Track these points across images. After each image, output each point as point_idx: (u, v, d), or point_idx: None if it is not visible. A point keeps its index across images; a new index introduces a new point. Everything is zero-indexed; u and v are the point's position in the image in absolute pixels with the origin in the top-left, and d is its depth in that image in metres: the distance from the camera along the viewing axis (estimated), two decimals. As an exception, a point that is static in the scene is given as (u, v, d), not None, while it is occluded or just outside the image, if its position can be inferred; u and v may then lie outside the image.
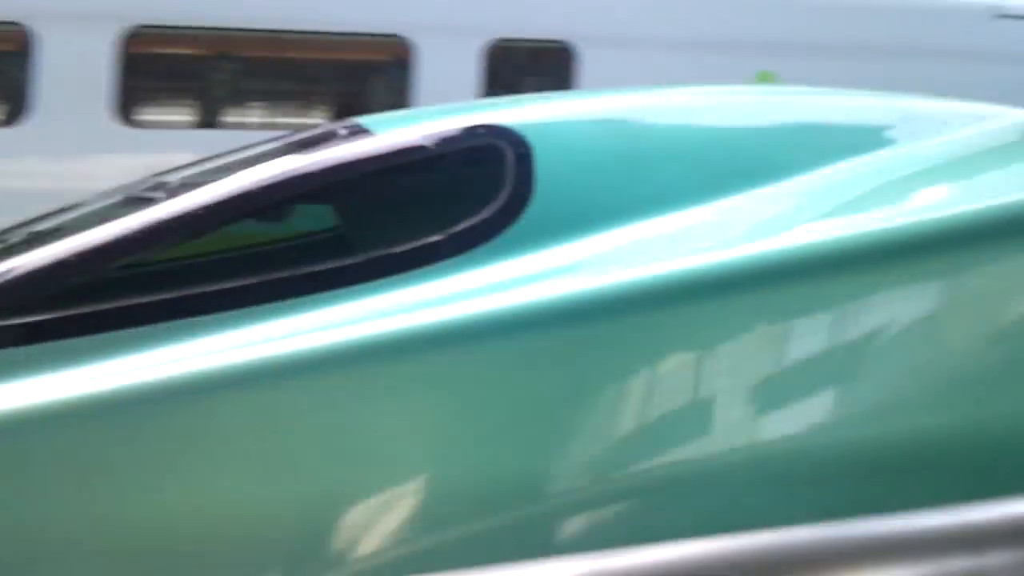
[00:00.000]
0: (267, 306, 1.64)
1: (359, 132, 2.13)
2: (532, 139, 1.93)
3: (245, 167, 2.06)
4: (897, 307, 1.72)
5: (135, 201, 2.06)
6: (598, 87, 5.42)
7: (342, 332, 1.58)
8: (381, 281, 1.68)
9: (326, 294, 1.67)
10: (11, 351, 1.61)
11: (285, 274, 1.72)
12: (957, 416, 1.66)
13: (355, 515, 1.55)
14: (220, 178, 2.00)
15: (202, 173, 2.21)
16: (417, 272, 1.70)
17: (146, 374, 1.52)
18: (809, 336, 1.70)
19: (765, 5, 6.98)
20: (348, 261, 1.77)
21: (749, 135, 2.27)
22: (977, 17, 7.47)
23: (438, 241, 1.76)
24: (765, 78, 6.42)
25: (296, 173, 1.92)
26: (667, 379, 1.65)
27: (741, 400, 1.63)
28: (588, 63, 6.31)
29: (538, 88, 6.09)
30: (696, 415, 1.60)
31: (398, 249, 1.75)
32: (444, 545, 1.50)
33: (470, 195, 1.90)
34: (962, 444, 1.60)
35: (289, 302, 1.65)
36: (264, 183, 1.88)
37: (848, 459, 1.62)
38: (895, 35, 7.06)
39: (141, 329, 1.60)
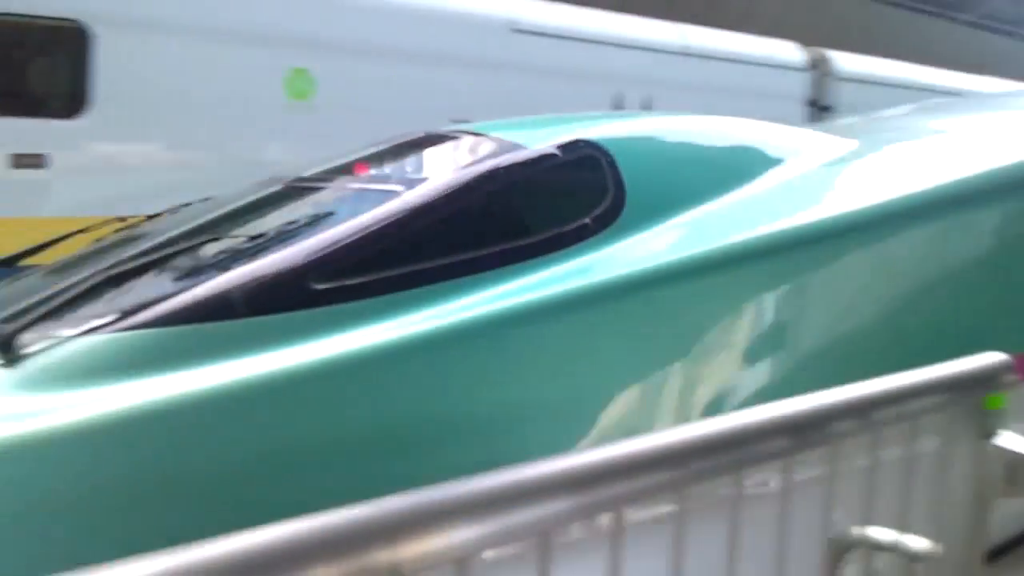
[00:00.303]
0: (500, 270, 2.30)
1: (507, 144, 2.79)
2: (615, 151, 2.71)
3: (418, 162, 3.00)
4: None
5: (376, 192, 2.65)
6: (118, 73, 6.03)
7: (559, 286, 2.29)
8: (558, 253, 2.40)
9: (526, 263, 2.35)
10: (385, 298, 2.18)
11: (502, 247, 2.36)
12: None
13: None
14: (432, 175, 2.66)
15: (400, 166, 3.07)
16: (576, 247, 2.44)
17: (479, 310, 2.18)
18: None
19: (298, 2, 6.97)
20: (528, 240, 2.42)
21: (733, 149, 3.27)
22: (495, 30, 7.93)
23: (583, 225, 2.48)
24: (298, 74, 6.86)
25: (491, 173, 2.57)
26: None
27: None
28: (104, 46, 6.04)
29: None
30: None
31: (562, 230, 2.46)
32: None
33: (588, 192, 2.61)
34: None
35: (509, 268, 2.31)
36: (473, 181, 2.52)
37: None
38: (409, 40, 7.34)
39: (439, 285, 2.23)
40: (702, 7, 15.15)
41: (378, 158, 3.05)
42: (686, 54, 9.02)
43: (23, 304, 2.16)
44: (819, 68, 10.32)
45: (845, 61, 10.69)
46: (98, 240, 3.07)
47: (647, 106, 8.52)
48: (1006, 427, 2.10)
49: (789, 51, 10.04)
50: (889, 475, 1.89)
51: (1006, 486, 2.03)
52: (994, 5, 19.10)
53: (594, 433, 2.24)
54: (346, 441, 2.00)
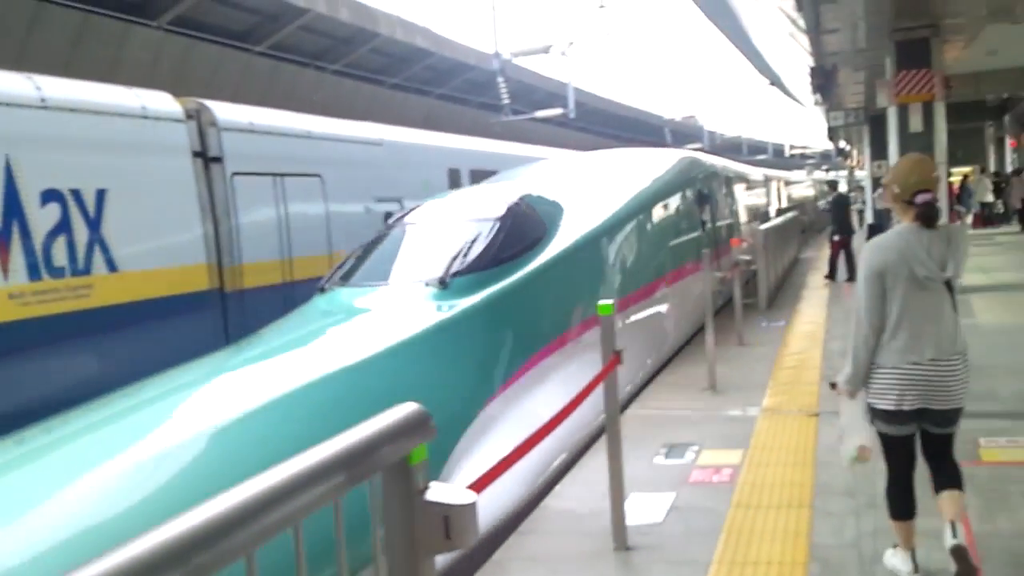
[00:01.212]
0: (528, 253, 7.20)
1: None
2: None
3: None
4: None
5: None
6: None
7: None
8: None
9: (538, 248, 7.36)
10: None
11: (525, 244, 7.26)
12: None
13: None
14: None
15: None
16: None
17: None
18: None
19: None
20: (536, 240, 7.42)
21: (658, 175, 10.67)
22: None
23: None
24: None
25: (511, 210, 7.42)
26: None
27: None
28: None
29: None
30: None
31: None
32: None
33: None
34: None
35: (532, 252, 7.26)
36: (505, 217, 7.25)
37: None
38: None
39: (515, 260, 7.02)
40: (62, 56, 14.07)
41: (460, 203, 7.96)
42: (44, 107, 8.20)
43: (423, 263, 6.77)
44: (199, 118, 10.07)
45: (228, 111, 10.58)
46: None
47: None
48: (436, 477, 2.18)
49: (163, 102, 9.63)
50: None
51: (444, 540, 2.03)
52: (358, 54, 20.64)
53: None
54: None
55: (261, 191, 10.82)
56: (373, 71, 21.95)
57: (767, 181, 23.11)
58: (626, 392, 7.91)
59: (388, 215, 13.42)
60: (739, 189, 16.78)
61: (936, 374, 3.93)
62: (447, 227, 7.26)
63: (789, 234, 18.40)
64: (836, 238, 16.41)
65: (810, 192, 38.64)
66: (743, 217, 16.75)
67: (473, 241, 6.75)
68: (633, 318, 8.65)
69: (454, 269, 6.44)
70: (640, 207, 9.50)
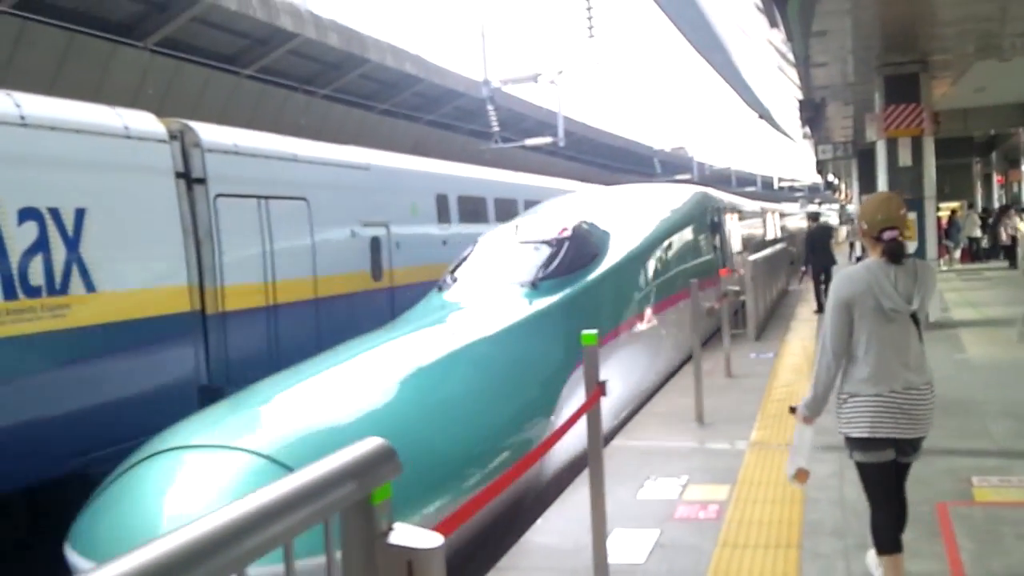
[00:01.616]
0: (586, 268, 9.18)
1: None
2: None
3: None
4: None
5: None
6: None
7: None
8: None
9: (590, 267, 9.24)
10: None
11: (584, 260, 9.29)
12: None
13: None
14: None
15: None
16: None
17: None
18: None
19: None
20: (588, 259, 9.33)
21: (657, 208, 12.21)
22: None
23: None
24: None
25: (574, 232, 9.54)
26: None
27: None
28: None
29: None
30: None
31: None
32: None
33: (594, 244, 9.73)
34: None
35: (588, 267, 9.21)
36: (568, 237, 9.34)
37: None
38: None
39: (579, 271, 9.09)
40: (48, 76, 13.94)
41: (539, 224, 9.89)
42: (23, 125, 8.05)
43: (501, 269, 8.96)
44: (183, 139, 9.94)
45: (212, 132, 10.45)
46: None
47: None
48: (402, 518, 1.96)
49: (146, 121, 9.49)
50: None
51: (411, 586, 1.85)
52: (348, 79, 20.58)
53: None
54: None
55: (245, 213, 10.67)
56: (362, 96, 21.88)
57: (764, 212, 25.17)
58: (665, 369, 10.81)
59: (375, 240, 13.33)
60: (741, 220, 18.72)
61: (905, 403, 4.06)
62: (529, 244, 9.35)
63: (778, 265, 18.41)
64: (805, 268, 17.35)
65: (804, 224, 38.96)
66: (745, 243, 18.61)
67: (552, 255, 8.97)
68: (666, 319, 10.55)
69: (541, 276, 8.66)
70: (667, 232, 11.63)
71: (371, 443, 2.00)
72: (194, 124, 10.28)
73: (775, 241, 24.45)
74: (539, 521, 5.85)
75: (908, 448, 4.20)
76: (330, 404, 5.77)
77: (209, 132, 10.41)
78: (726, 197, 17.94)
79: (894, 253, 4.12)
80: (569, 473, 6.99)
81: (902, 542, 4.19)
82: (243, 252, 10.54)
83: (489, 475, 5.73)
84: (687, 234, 12.50)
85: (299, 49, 18.34)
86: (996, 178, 35.93)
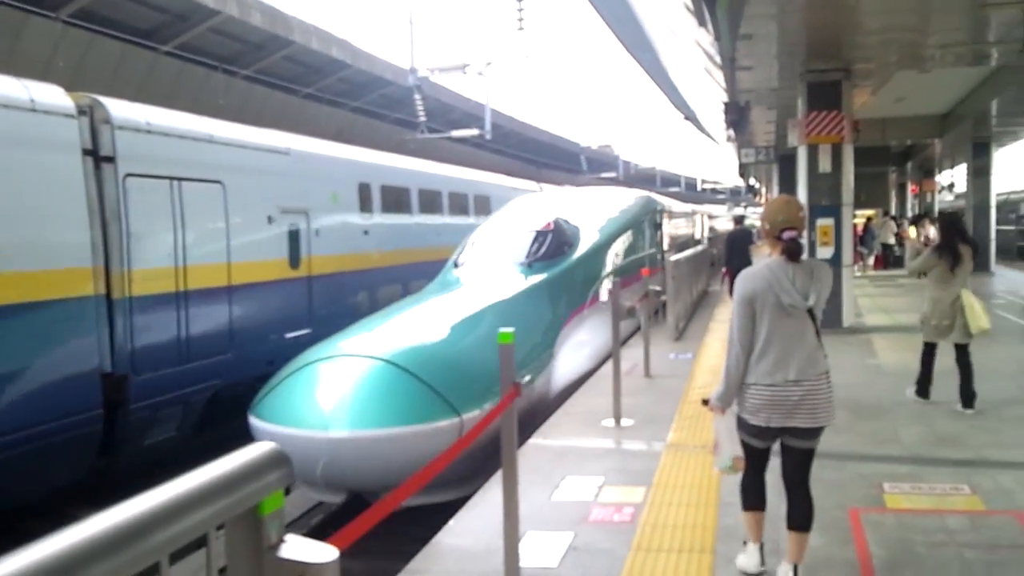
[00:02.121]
0: (563, 255, 11.65)
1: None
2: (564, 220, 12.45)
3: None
4: None
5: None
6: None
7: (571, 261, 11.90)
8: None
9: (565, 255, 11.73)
10: None
11: (561, 248, 11.80)
12: None
13: None
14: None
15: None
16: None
17: None
18: None
19: None
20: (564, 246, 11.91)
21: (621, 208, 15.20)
22: None
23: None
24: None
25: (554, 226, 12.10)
26: None
27: None
28: None
29: None
30: None
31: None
32: None
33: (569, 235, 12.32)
34: None
35: (564, 255, 11.66)
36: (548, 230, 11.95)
37: None
38: None
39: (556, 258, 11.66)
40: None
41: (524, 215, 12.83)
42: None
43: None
44: (92, 114, 9.51)
45: (123, 109, 10.01)
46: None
47: None
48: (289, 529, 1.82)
49: (53, 95, 9.05)
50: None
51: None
52: (271, 61, 20.10)
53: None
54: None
55: (156, 195, 10.27)
56: (286, 79, 21.39)
57: (694, 214, 28.54)
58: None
59: (294, 227, 13.00)
60: (677, 220, 22.16)
61: (799, 393, 4.36)
62: (521, 231, 12.03)
63: (699, 266, 18.59)
64: (725, 269, 17.69)
65: (730, 226, 40.25)
66: (681, 241, 21.88)
67: (539, 244, 11.59)
68: (622, 296, 11.46)
69: (533, 258, 11.30)
70: (622, 229, 14.28)
71: (260, 448, 1.85)
72: (104, 99, 9.84)
73: (705, 240, 27.91)
74: (451, 522, 5.70)
75: (804, 434, 4.45)
76: (416, 331, 8.58)
77: (120, 108, 9.98)
78: (665, 200, 21.28)
79: (792, 252, 4.44)
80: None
81: (766, 499, 4.65)
82: (153, 235, 10.14)
83: (527, 377, 8.87)
84: (637, 231, 15.25)
85: (221, 27, 17.82)
86: (910, 187, 36.93)
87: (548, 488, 6.31)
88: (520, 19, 20.91)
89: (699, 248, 20.51)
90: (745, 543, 4.74)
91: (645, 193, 18.06)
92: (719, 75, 15.06)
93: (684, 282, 14.55)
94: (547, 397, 9.47)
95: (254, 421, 7.81)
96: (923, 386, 8.80)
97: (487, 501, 6.03)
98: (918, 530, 5.33)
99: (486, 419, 4.50)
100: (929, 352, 8.74)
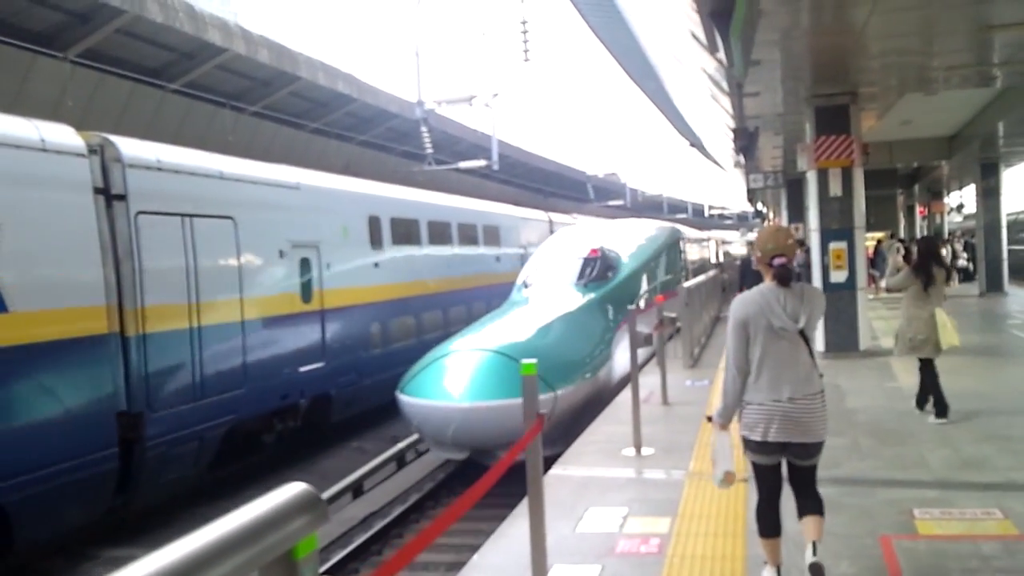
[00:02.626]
0: (606, 279, 14.63)
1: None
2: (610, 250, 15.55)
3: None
4: None
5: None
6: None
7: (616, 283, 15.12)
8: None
9: (608, 278, 14.70)
10: None
11: (605, 273, 14.70)
12: None
13: None
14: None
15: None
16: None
17: None
18: None
19: None
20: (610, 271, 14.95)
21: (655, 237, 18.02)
22: None
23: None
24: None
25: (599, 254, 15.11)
26: None
27: None
28: None
29: None
30: None
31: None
32: None
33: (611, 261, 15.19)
34: None
35: (608, 278, 14.63)
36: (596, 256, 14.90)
37: None
38: None
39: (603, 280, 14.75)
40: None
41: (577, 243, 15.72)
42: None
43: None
44: (103, 153, 9.52)
45: (134, 147, 10.03)
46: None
47: None
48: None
49: (64, 135, 9.06)
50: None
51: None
52: (278, 97, 20.18)
53: None
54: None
55: (168, 232, 10.26)
56: (293, 114, 21.47)
57: (710, 239, 32.07)
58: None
59: (305, 261, 12.99)
60: (695, 246, 25.50)
61: (795, 411, 4.56)
62: (572, 258, 14.83)
63: (711, 292, 18.53)
64: (739, 293, 17.67)
65: (743, 250, 40.76)
66: (696, 263, 24.80)
67: (590, 267, 14.43)
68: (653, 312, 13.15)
69: (586, 280, 14.15)
70: (654, 255, 17.04)
71: (293, 489, 1.77)
72: (115, 138, 9.87)
73: (720, 264, 30.95)
74: (475, 557, 5.61)
75: (803, 452, 4.66)
76: (512, 332, 11.66)
77: (130, 147, 10.00)
78: (684, 228, 24.96)
79: (782, 277, 4.70)
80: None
81: (781, 527, 4.76)
82: (165, 272, 10.13)
83: (594, 368, 11.63)
84: (665, 256, 18.10)
85: (228, 64, 17.90)
86: (918, 210, 36.87)
87: (572, 519, 6.22)
88: (526, 50, 21.00)
89: (710, 274, 20.70)
90: (765, 563, 4.87)
91: (668, 224, 22.15)
92: (726, 101, 15.07)
93: (697, 308, 14.48)
94: (609, 383, 12.07)
95: (402, 397, 10.96)
96: (940, 406, 8.86)
97: (509, 534, 5.94)
98: (952, 556, 5.23)
99: (511, 453, 4.44)
100: (928, 370, 8.98)
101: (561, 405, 10.20)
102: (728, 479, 4.73)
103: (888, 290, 9.84)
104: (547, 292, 13.96)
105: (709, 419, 4.98)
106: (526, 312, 13.01)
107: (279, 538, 1.65)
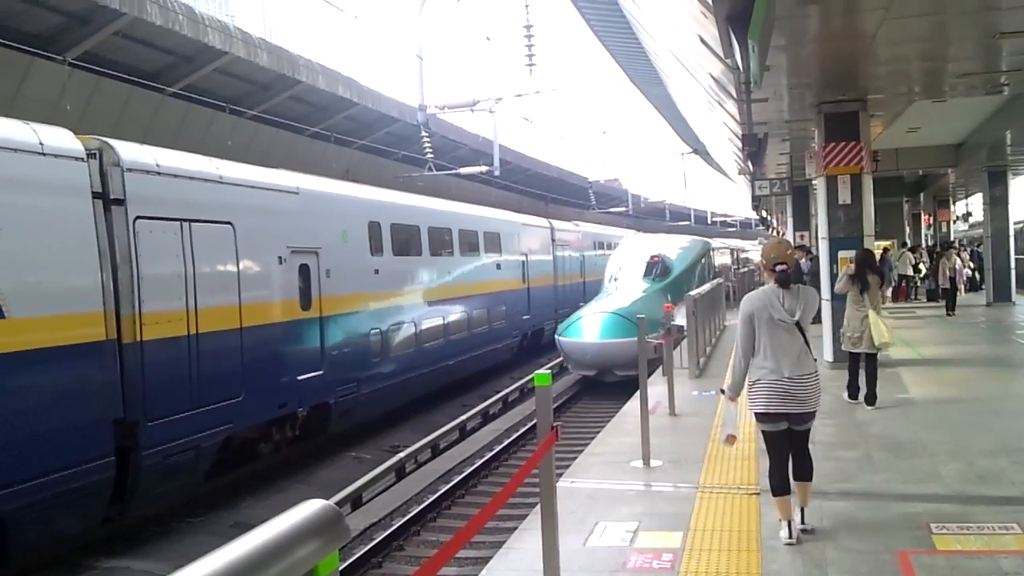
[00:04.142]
0: (658, 276, 22.54)
1: None
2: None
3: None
4: None
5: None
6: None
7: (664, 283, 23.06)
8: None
9: (664, 276, 22.70)
10: None
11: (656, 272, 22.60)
12: None
13: None
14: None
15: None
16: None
17: None
18: None
19: None
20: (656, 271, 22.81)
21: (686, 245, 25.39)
22: None
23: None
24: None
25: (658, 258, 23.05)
26: None
27: None
28: None
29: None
30: None
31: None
32: None
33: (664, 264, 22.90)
34: None
35: (661, 277, 22.52)
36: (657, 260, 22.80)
37: None
38: None
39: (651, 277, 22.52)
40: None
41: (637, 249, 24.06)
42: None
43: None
44: (101, 157, 9.35)
45: (132, 151, 9.86)
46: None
47: None
48: None
49: (62, 138, 8.89)
50: None
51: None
52: (277, 101, 20.03)
53: None
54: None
55: (166, 237, 10.09)
56: (292, 119, 21.29)
57: (727, 248, 39.96)
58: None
59: (304, 267, 12.82)
60: (717, 254, 32.71)
61: (792, 386, 5.71)
62: (640, 259, 22.37)
63: (715, 301, 18.45)
64: None
65: (758, 256, 44.26)
66: (720, 266, 31.83)
67: (654, 267, 21.89)
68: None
69: (653, 276, 21.69)
70: (695, 261, 23.73)
71: (312, 507, 1.68)
72: (113, 142, 9.70)
73: (740, 270, 37.98)
74: (483, 573, 5.43)
75: (800, 420, 5.84)
76: (617, 304, 19.71)
77: (129, 151, 9.83)
78: (714, 241, 34.23)
79: (782, 281, 5.87)
80: None
81: (790, 486, 5.83)
82: (164, 278, 9.95)
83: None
84: (700, 260, 24.86)
85: (227, 68, 17.74)
86: (924, 218, 36.70)
87: (582, 533, 6.04)
88: (530, 55, 20.87)
89: (714, 282, 21.47)
90: (780, 520, 5.80)
91: (700, 237, 30.36)
92: (733, 107, 14.91)
93: (701, 318, 14.32)
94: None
95: (560, 339, 19.34)
96: (852, 390, 10.57)
97: (518, 548, 5.77)
98: (971, 572, 5.07)
99: (529, 463, 4.27)
100: (854, 361, 10.54)
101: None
102: (730, 441, 5.99)
103: (838, 293, 10.79)
104: (628, 283, 21.69)
105: (722, 391, 6.21)
106: (618, 295, 20.84)
107: (302, 557, 1.58)
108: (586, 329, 18.59)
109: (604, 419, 13.76)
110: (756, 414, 5.86)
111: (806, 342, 5.78)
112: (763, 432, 5.92)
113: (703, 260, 25.47)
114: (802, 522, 5.80)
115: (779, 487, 5.79)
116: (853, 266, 10.44)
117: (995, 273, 24.03)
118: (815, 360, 5.83)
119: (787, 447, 5.86)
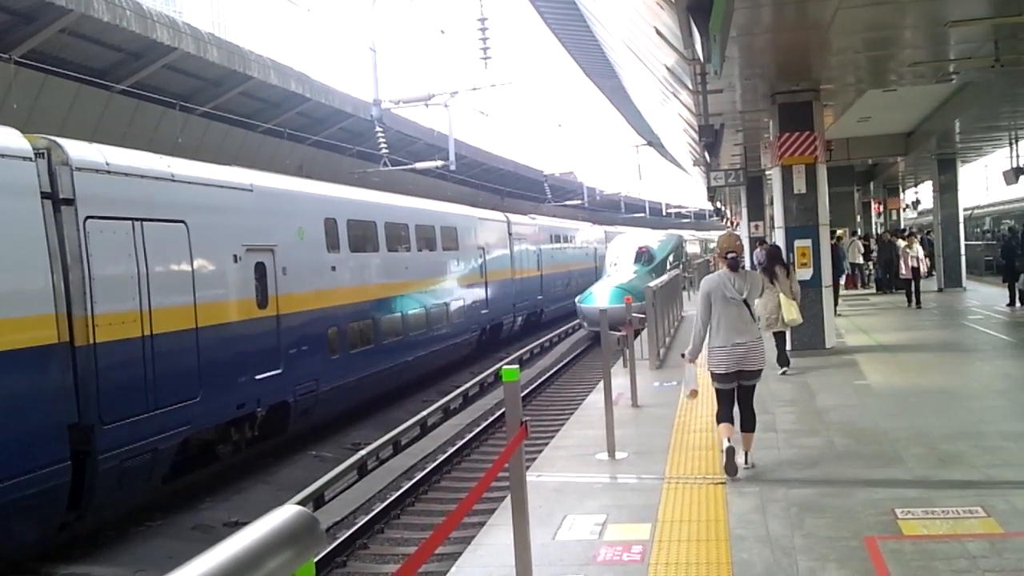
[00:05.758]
0: (646, 262, 29.17)
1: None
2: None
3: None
4: None
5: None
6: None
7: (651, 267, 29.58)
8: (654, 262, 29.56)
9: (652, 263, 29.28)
10: None
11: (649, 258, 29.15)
12: None
13: None
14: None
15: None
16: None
17: None
18: None
19: None
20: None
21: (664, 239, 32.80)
22: None
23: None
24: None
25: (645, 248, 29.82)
26: None
27: None
28: None
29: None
30: None
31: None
32: None
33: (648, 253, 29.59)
34: None
35: (649, 263, 29.18)
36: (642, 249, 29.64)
37: None
38: None
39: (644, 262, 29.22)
40: None
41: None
42: None
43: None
44: (49, 157, 9.12)
45: (81, 150, 9.64)
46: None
47: None
48: None
49: (8, 137, 8.66)
50: None
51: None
52: (228, 97, 19.73)
53: None
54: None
55: (118, 237, 9.88)
56: (244, 115, 20.99)
57: (695, 240, 48.82)
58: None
59: (260, 265, 12.63)
60: (690, 244, 42.61)
61: (742, 350, 7.01)
62: (631, 249, 29.13)
63: (673, 291, 18.58)
64: None
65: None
66: (691, 255, 41.26)
67: (643, 256, 28.57)
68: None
69: (641, 263, 28.10)
70: (671, 250, 30.88)
71: (286, 512, 1.61)
72: (62, 141, 9.47)
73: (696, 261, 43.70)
74: (452, 570, 5.37)
75: (748, 376, 7.14)
76: (621, 279, 26.34)
77: (78, 149, 9.61)
78: (686, 233, 47.96)
79: (732, 266, 7.23)
80: None
81: (733, 419, 7.13)
82: (116, 279, 9.74)
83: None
84: (676, 250, 31.71)
85: (177, 64, 17.43)
86: (874, 207, 37.19)
87: (550, 527, 6.00)
88: (484, 48, 20.76)
89: (671, 273, 23.99)
90: (726, 439, 6.96)
91: (676, 231, 40.75)
92: (688, 99, 14.95)
93: (661, 309, 14.35)
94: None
95: (580, 305, 26.36)
96: (781, 360, 11.99)
97: (487, 543, 5.72)
98: (939, 556, 5.09)
99: (497, 463, 4.21)
100: (780, 339, 12.11)
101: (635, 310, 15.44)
102: (692, 395, 7.40)
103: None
104: (622, 269, 27.69)
105: (683, 355, 7.57)
106: (617, 276, 26.92)
107: (276, 567, 1.49)
108: (598, 298, 24.84)
109: (566, 411, 13.76)
110: (713, 373, 7.15)
111: (751, 314, 7.24)
112: (716, 389, 7.23)
113: (678, 249, 33.41)
114: (746, 462, 7.19)
115: (723, 417, 7.13)
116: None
117: (946, 259, 24.39)
118: (759, 328, 7.84)
119: (732, 399, 7.18)
